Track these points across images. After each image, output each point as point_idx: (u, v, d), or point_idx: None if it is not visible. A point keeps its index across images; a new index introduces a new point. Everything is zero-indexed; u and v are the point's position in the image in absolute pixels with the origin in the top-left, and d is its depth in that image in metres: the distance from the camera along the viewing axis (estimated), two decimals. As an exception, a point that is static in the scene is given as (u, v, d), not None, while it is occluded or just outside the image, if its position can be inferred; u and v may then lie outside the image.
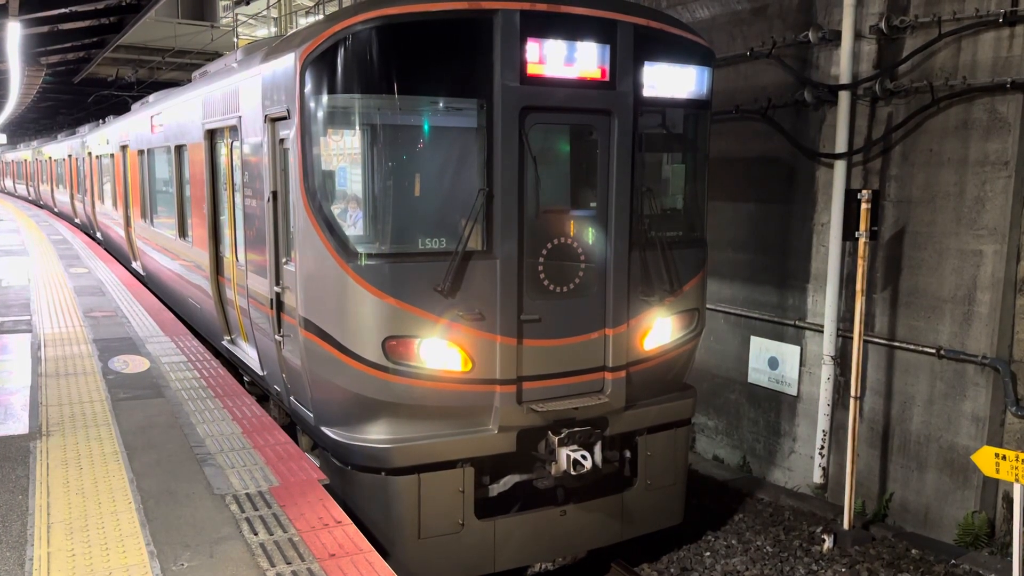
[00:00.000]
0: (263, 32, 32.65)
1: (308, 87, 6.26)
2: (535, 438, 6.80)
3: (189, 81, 12.57)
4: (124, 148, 16.40)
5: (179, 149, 11.28)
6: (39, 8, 14.30)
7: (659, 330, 7.31)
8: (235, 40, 25.74)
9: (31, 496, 5.68)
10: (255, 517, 5.38)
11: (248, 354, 8.86)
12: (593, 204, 6.96)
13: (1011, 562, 6.95)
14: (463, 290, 6.32)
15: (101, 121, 22.68)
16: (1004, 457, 6.72)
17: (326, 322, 6.40)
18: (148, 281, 15.27)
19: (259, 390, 8.93)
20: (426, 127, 6.59)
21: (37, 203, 41.74)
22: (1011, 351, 8.11)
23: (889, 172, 9.04)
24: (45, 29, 16.99)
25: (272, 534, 5.14)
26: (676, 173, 7.80)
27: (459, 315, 6.33)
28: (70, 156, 27.06)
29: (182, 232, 11.56)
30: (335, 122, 6.41)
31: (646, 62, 6.88)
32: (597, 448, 6.88)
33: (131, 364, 9.19)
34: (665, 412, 7.51)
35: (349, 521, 5.38)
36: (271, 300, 7.36)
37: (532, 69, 6.39)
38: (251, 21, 30.11)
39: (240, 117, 8.09)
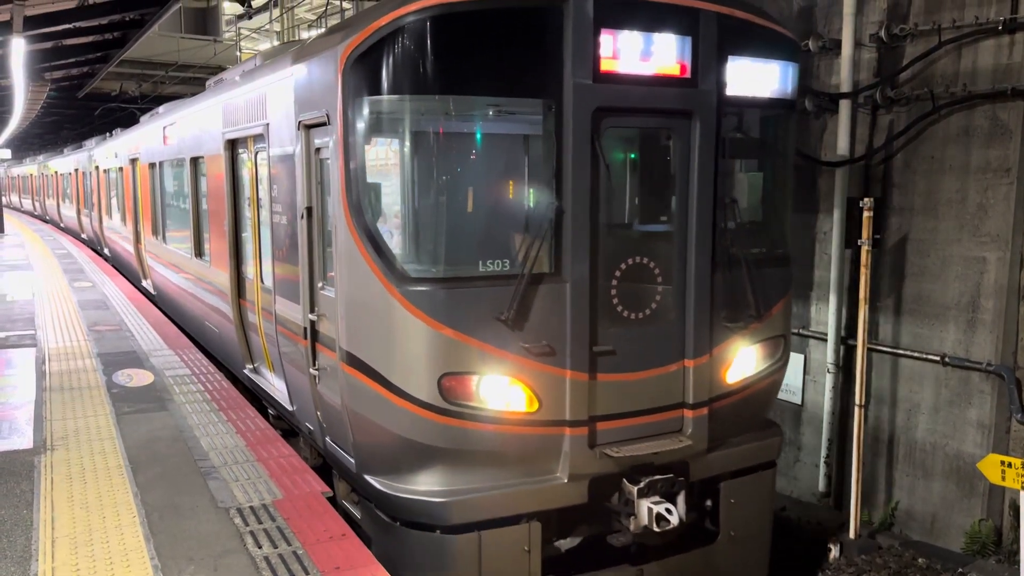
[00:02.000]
0: (265, 46, 32.82)
1: (352, 88, 5.56)
2: (608, 487, 5.95)
3: (193, 95, 12.55)
4: (134, 161, 15.84)
5: (195, 161, 10.63)
6: (43, 24, 14.40)
7: (743, 360, 6.50)
8: (238, 54, 25.86)
9: (35, 510, 5.68)
10: (259, 530, 5.37)
11: (274, 386, 8.11)
12: (665, 218, 6.25)
13: (1019, 570, 6.92)
14: (528, 319, 5.56)
15: (108, 134, 22.34)
16: (1010, 465, 6.69)
17: (372, 356, 5.68)
18: (159, 301, 14.60)
19: (286, 425, 8.17)
20: (486, 133, 5.92)
21: (43, 218, 41.71)
22: (1015, 358, 8.09)
23: (891, 180, 9.05)
24: (49, 45, 17.11)
25: (276, 547, 5.14)
26: (760, 182, 6.98)
27: (524, 348, 5.56)
28: (76, 170, 26.86)
29: (198, 251, 10.85)
30: (383, 128, 5.68)
31: (730, 57, 6.07)
32: (681, 499, 6.03)
33: (135, 378, 9.20)
34: (750, 453, 6.62)
35: (353, 534, 5.37)
36: (305, 329, 6.66)
37: (606, 65, 5.61)
38: (254, 35, 30.24)
39: (267, 125, 7.41)
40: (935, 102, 8.45)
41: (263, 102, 7.54)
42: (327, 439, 6.66)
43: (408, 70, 5.42)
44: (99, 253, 23.19)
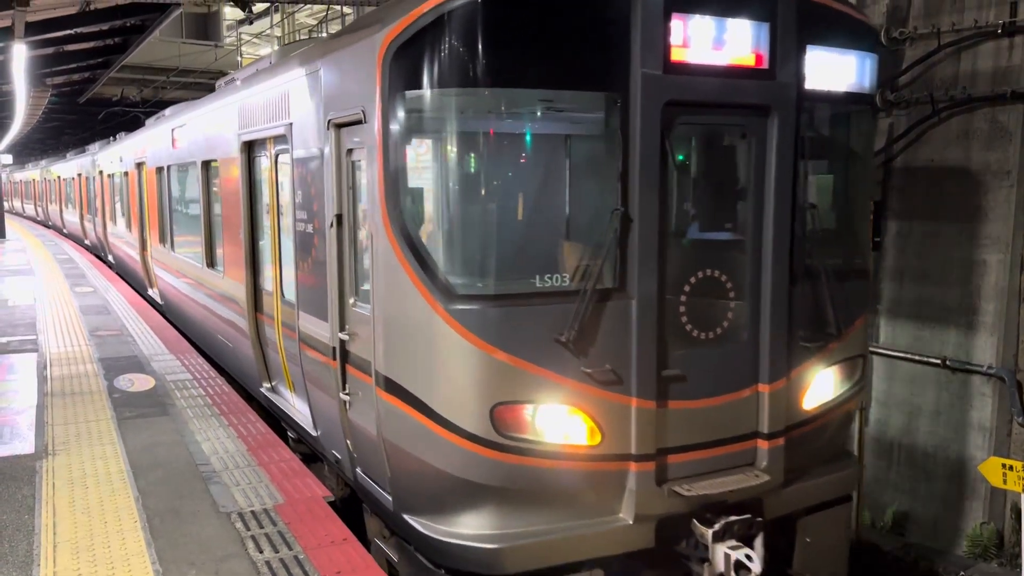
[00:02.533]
0: (266, 51, 32.87)
1: (393, 82, 4.98)
2: (677, 529, 5.29)
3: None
4: (140, 165, 15.22)
5: (206, 165, 10.05)
6: (44, 30, 14.45)
7: (821, 384, 5.85)
8: (239, 59, 25.91)
9: (37, 515, 5.69)
10: (260, 535, 5.38)
11: (295, 407, 7.50)
12: (738, 226, 5.62)
13: (1020, 573, 6.91)
14: (590, 340, 4.96)
15: (112, 138, 22.08)
16: (1011, 467, 6.69)
17: (414, 382, 5.10)
18: (167, 311, 13.90)
19: (307, 449, 7.55)
20: (544, 131, 5.40)
21: (45, 224, 41.40)
22: (1016, 360, 8.09)
23: (891, 183, 9.06)
24: (50, 51, 17.17)
25: (278, 551, 5.14)
26: (838, 186, 6.37)
27: (585, 373, 4.94)
28: (79, 175, 26.57)
29: (210, 260, 10.18)
30: (429, 126, 5.06)
31: (808, 46, 5.45)
32: (759, 542, 5.35)
33: (136, 382, 9.21)
34: (827, 486, 5.92)
35: (355, 538, 5.37)
36: (333, 349, 6.08)
37: (676, 54, 4.98)
38: (255, 40, 30.31)
39: (290, 125, 6.80)
40: (935, 105, 8.47)
41: (286, 100, 6.96)
42: (358, 471, 6.08)
43: (458, 60, 4.77)
44: (103, 260, 22.80)
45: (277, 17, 26.45)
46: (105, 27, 15.88)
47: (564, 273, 5.02)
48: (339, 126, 5.84)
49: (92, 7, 13.98)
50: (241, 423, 7.73)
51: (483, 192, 5.10)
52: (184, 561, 5.01)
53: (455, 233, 5.05)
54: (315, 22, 27.26)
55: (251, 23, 28.94)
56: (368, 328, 5.50)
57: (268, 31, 27.58)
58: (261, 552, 5.13)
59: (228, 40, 29.98)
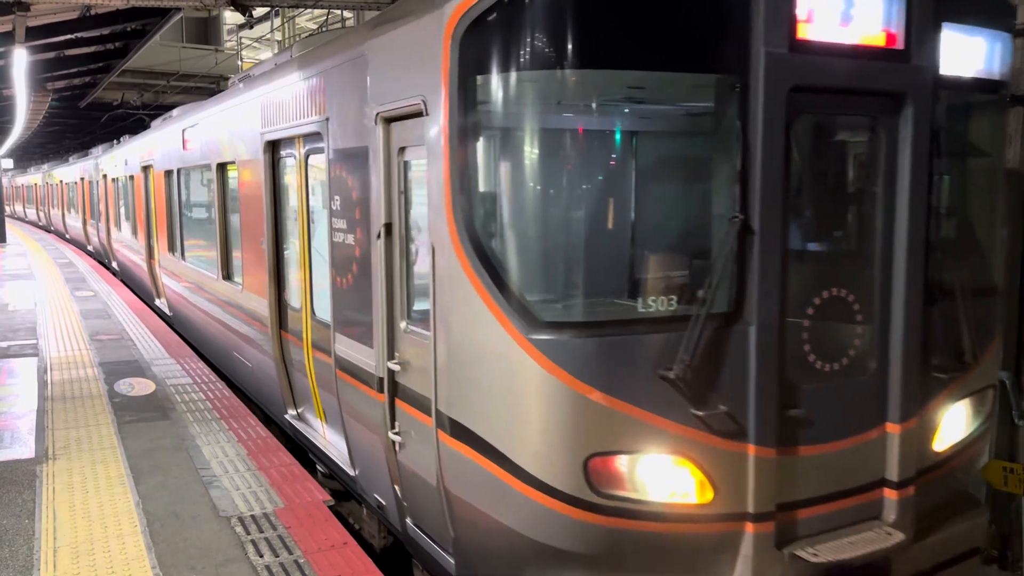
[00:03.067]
0: (267, 55, 32.92)
1: (467, 64, 4.18)
2: None
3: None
4: (146, 169, 14.58)
5: (222, 168, 9.33)
6: (45, 35, 14.47)
7: (953, 420, 5.01)
8: (239, 63, 25.94)
9: (37, 520, 5.69)
10: (260, 539, 5.37)
11: (327, 440, 6.80)
12: (865, 236, 4.71)
13: (1022, 576, 6.90)
14: (701, 376, 4.10)
15: (116, 141, 21.70)
16: (1012, 470, 6.68)
17: (487, 426, 4.28)
18: (176, 324, 13.17)
19: (339, 486, 6.84)
20: (653, 123, 4.62)
21: (47, 229, 41.23)
22: (1017, 362, 8.08)
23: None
24: (51, 55, 17.19)
25: (278, 556, 5.14)
26: (972, 188, 5.47)
27: (694, 415, 4.09)
28: (82, 179, 26.22)
29: (226, 271, 9.48)
30: (513, 117, 4.21)
31: (944, 24, 4.57)
32: None
33: (137, 387, 9.21)
34: (956, 540, 4.95)
35: (354, 542, 5.37)
36: (380, 380, 5.35)
37: (801, 30, 4.14)
38: (255, 44, 30.36)
39: (326, 120, 6.02)
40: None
41: (320, 92, 6.18)
42: (409, 522, 5.36)
43: (549, 35, 3.96)
44: (107, 267, 22.37)
45: (277, 21, 26.51)
46: (106, 32, 15.90)
47: (671, 295, 4.17)
48: (390, 120, 5.09)
49: (93, 12, 14.00)
50: (241, 427, 7.73)
51: (576, 197, 4.33)
52: (184, 565, 5.01)
53: (541, 246, 4.26)
54: (315, 27, 27.31)
55: (251, 27, 28.97)
56: (426, 358, 4.72)
57: (268, 35, 27.63)
58: (261, 556, 5.13)
59: (228, 44, 30.04)
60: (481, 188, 4.28)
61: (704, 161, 4.49)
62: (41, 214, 44.73)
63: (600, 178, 4.53)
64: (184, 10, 13.00)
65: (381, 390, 5.34)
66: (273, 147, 7.49)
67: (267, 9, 23.95)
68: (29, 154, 56.39)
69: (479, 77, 4.18)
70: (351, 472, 6.20)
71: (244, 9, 12.93)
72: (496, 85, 4.15)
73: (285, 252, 7.51)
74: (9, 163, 49.30)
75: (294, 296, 7.26)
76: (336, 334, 6.10)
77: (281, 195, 7.51)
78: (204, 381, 9.48)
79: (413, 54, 4.68)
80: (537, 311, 4.07)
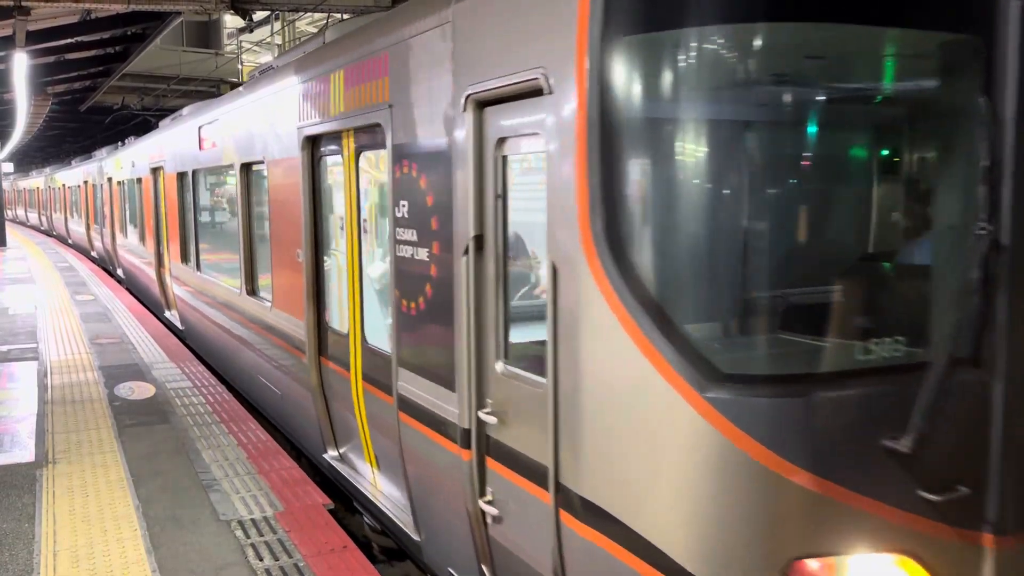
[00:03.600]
0: (267, 59, 32.96)
1: (618, 18, 3.06)
2: None
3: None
4: (156, 171, 13.60)
5: (247, 169, 8.36)
6: (45, 38, 14.51)
7: None
8: (239, 67, 25.98)
9: (37, 524, 5.69)
10: (260, 543, 5.37)
11: (379, 490, 5.78)
12: None
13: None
14: (934, 444, 3.06)
15: (120, 143, 21.06)
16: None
17: (639, 514, 3.15)
18: (189, 339, 12.19)
19: (392, 542, 5.85)
20: (864, 101, 3.39)
21: (50, 234, 40.69)
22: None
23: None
24: (51, 59, 17.23)
25: (277, 559, 5.14)
26: None
27: (923, 498, 2.99)
28: (86, 183, 25.35)
29: (251, 286, 8.44)
30: (690, 94, 3.10)
31: None
32: None
33: (137, 390, 9.21)
34: None
35: (354, 546, 5.37)
36: (465, 432, 4.25)
37: None
38: (256, 48, 30.40)
39: (389, 108, 4.91)
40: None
41: (381, 74, 5.05)
42: None
43: None
44: (111, 274, 21.59)
45: (277, 25, 26.56)
46: (106, 35, 15.94)
47: (897, 336, 3.08)
48: (483, 104, 4.01)
49: (93, 16, 14.03)
50: (241, 431, 7.73)
51: (779, 205, 3.23)
52: (184, 569, 5.01)
53: (727, 271, 3.17)
54: (315, 30, 27.35)
55: (251, 31, 29.03)
56: (536, 412, 3.68)
57: (268, 39, 27.67)
58: (261, 560, 5.13)
59: (229, 48, 30.07)
60: (636, 192, 3.17)
61: (943, 155, 3.32)
62: (43, 219, 44.51)
63: (812, 181, 3.31)
64: (184, 14, 13.01)
65: (466, 445, 4.23)
66: (313, 143, 6.42)
67: (267, 13, 23.99)
68: (29, 158, 56.48)
69: (637, 37, 3.06)
70: (415, 537, 5.12)
71: (244, 13, 12.94)
72: (665, 48, 3.02)
73: (326, 266, 6.43)
74: (9, 167, 49.34)
75: (338, 318, 6.20)
76: (399, 369, 4.99)
77: (322, 199, 6.44)
78: (204, 385, 9.48)
79: (529, 12, 3.56)
80: (717, 358, 2.95)
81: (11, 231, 36.97)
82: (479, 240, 4.08)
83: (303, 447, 7.39)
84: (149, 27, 15.16)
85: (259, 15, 23.84)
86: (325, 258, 6.46)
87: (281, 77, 7.15)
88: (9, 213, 59.97)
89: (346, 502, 6.44)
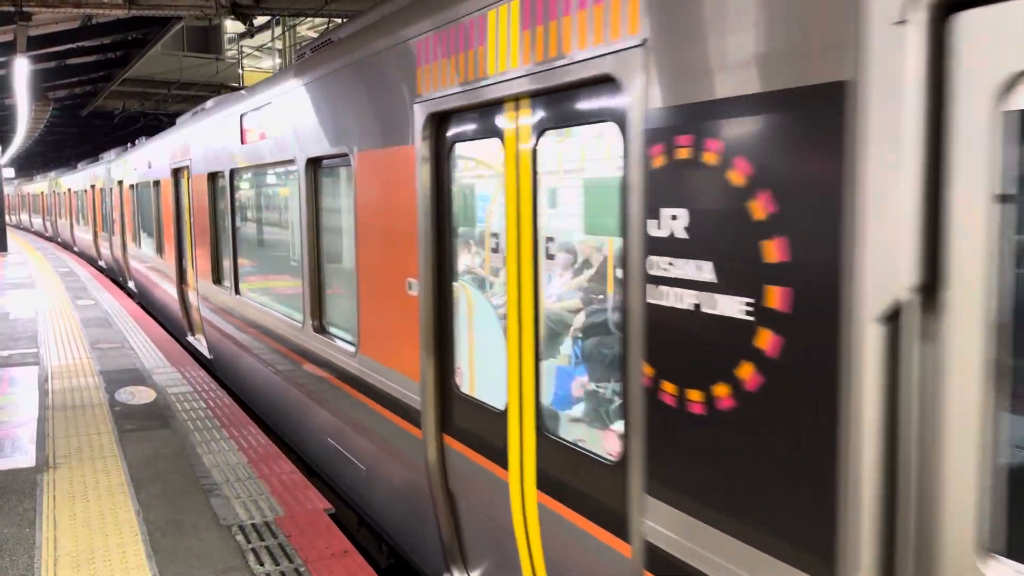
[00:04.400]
0: (268, 64, 33.00)
1: None
2: None
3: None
4: (178, 172, 11.84)
5: (316, 165, 6.43)
6: (46, 44, 14.55)
7: None
8: (240, 72, 26.02)
9: (38, 529, 5.68)
10: (261, 548, 5.37)
11: None
12: None
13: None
14: None
15: (130, 144, 19.61)
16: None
17: None
18: (219, 371, 10.50)
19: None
20: None
21: (55, 240, 39.03)
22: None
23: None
24: (52, 64, 17.28)
25: (278, 564, 5.13)
26: None
27: None
28: (92, 187, 23.99)
29: (319, 321, 6.60)
30: None
31: None
32: None
33: (137, 395, 9.21)
34: None
35: (355, 551, 5.36)
36: None
37: None
38: (256, 53, 30.46)
39: (642, 46, 2.85)
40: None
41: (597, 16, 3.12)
42: None
43: None
44: (121, 287, 19.69)
45: (278, 30, 26.60)
46: (107, 41, 15.99)
47: None
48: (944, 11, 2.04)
49: (94, 21, 14.06)
50: (242, 435, 7.73)
51: None
52: (185, 574, 5.00)
53: None
54: (316, 35, 27.39)
55: (252, 36, 29.09)
56: None
57: (269, 44, 27.71)
58: (262, 565, 5.12)
59: (229, 53, 30.12)
60: None
61: None
62: (48, 225, 43.23)
63: None
64: (185, 19, 13.04)
65: None
66: (441, 123, 4.49)
67: (268, 18, 24.02)
68: (30, 163, 56.56)
69: None
70: None
71: (245, 18, 12.97)
72: None
73: (460, 305, 4.60)
74: (10, 172, 49.33)
75: (486, 383, 4.36)
76: (647, 498, 2.98)
77: (452, 207, 4.53)
78: (205, 389, 9.48)
79: None
80: None
81: (12, 237, 36.97)
82: (928, 292, 2.03)
83: (404, 552, 5.53)
84: (150, 32, 15.21)
85: (260, 20, 23.89)
86: (456, 294, 4.60)
87: (380, 34, 5.08)
88: (13, 219, 60.05)
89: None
